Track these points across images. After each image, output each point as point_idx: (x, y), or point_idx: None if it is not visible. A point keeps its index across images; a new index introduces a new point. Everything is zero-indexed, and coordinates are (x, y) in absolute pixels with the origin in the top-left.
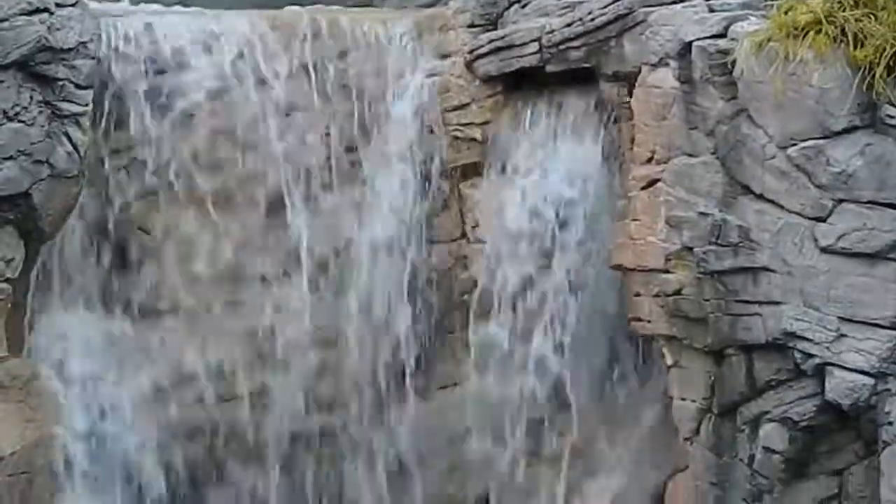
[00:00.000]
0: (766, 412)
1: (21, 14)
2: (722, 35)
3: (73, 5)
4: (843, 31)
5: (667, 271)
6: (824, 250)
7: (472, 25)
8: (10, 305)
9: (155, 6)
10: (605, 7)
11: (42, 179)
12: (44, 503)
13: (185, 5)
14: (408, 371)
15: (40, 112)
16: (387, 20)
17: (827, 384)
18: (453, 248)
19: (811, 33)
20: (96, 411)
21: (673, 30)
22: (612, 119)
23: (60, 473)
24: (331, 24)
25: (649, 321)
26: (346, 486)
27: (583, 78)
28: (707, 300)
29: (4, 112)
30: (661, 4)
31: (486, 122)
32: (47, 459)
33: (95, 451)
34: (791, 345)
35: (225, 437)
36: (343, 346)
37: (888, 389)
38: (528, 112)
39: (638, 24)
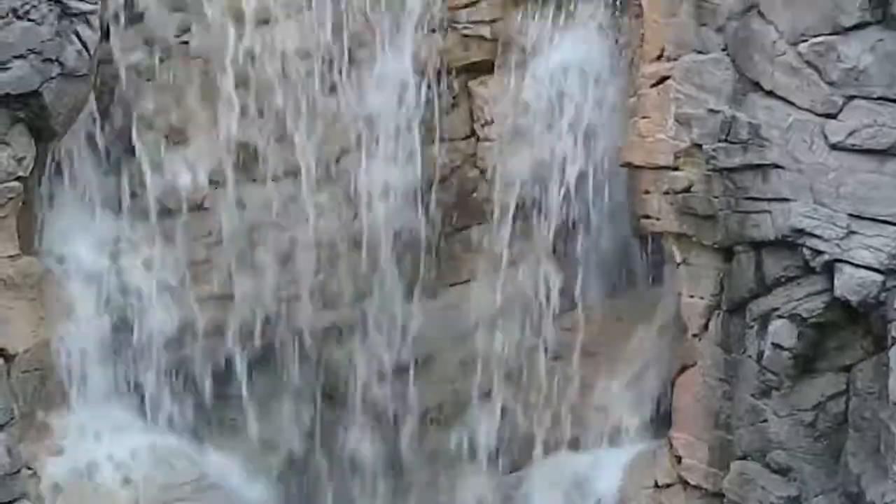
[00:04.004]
0: (775, 309)
1: None
2: None
3: None
4: None
5: (676, 168)
6: (834, 147)
7: None
8: (21, 203)
9: None
10: None
11: (52, 78)
12: (56, 400)
13: None
14: (417, 269)
15: (50, 10)
16: None
17: (836, 281)
18: (462, 145)
19: None
20: (107, 308)
21: None
22: (621, 16)
23: (72, 371)
24: None
25: (658, 219)
26: (353, 380)
27: None
28: (716, 197)
29: (14, 10)
30: None
31: (495, 20)
32: (59, 356)
33: (106, 348)
34: (800, 242)
35: (239, 333)
36: (351, 244)
37: None
38: (538, 9)
39: None
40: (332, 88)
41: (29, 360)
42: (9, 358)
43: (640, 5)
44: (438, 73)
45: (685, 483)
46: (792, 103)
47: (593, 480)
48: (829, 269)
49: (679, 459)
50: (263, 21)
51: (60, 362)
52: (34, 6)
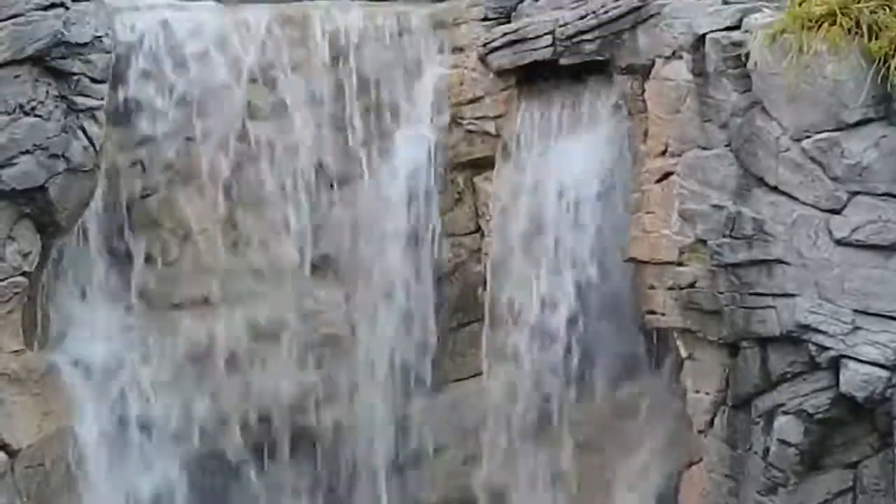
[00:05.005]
0: (781, 405)
1: (37, 9)
2: (736, 27)
3: (88, 0)
4: (857, 23)
5: (681, 264)
6: (839, 242)
7: (485, 19)
8: (26, 299)
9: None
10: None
11: (58, 173)
12: (60, 495)
13: None
14: (422, 364)
15: (56, 106)
16: (401, 14)
17: (842, 377)
18: (467, 241)
19: (825, 25)
20: (112, 404)
21: (687, 22)
22: (625, 112)
23: (77, 466)
24: (345, 18)
25: (663, 314)
26: (356, 475)
27: (596, 71)
28: (721, 293)
29: (21, 106)
30: None
31: (499, 116)
32: (63, 452)
33: (110, 443)
34: (806, 337)
35: (239, 428)
36: (356, 339)
37: None
38: (542, 105)
39: (651, 16)
40: (336, 184)
41: (33, 456)
42: (13, 453)
43: (643, 101)
44: (443, 169)
45: None
46: (796, 199)
47: None
48: (835, 364)
49: None
50: (272, 114)
51: (65, 458)
52: (41, 102)
